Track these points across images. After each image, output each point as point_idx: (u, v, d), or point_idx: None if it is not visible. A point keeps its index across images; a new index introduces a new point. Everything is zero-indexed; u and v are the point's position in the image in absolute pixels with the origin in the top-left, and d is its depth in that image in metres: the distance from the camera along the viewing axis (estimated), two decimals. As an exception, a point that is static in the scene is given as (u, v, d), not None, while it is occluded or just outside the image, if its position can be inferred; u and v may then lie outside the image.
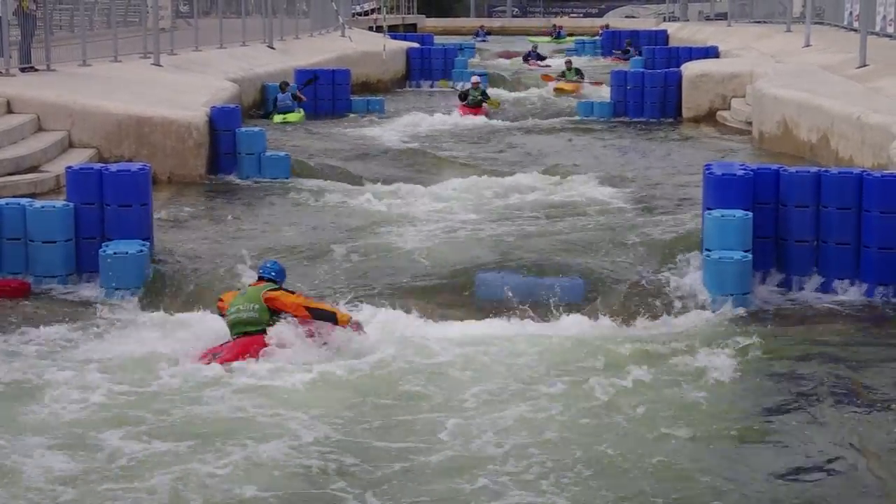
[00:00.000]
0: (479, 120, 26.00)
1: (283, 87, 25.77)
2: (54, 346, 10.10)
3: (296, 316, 9.89)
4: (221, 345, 9.88)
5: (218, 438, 8.14)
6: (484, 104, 27.06)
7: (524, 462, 7.85)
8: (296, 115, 25.29)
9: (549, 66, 39.82)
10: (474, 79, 27.93)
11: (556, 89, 32.21)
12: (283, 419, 8.53)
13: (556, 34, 52.98)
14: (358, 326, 10.09)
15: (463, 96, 27.13)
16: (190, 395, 8.96)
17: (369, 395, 9.09)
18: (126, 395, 8.98)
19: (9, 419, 8.45)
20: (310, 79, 27.07)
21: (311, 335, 9.85)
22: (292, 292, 10.13)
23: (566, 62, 34.22)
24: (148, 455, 7.88)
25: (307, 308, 9.92)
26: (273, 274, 10.20)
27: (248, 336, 9.82)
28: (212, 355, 9.69)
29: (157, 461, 7.78)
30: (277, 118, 24.93)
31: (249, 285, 10.19)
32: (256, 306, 9.89)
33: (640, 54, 42.31)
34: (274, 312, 9.92)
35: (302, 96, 25.89)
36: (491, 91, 33.27)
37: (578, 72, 32.86)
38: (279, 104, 25.42)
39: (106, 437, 8.14)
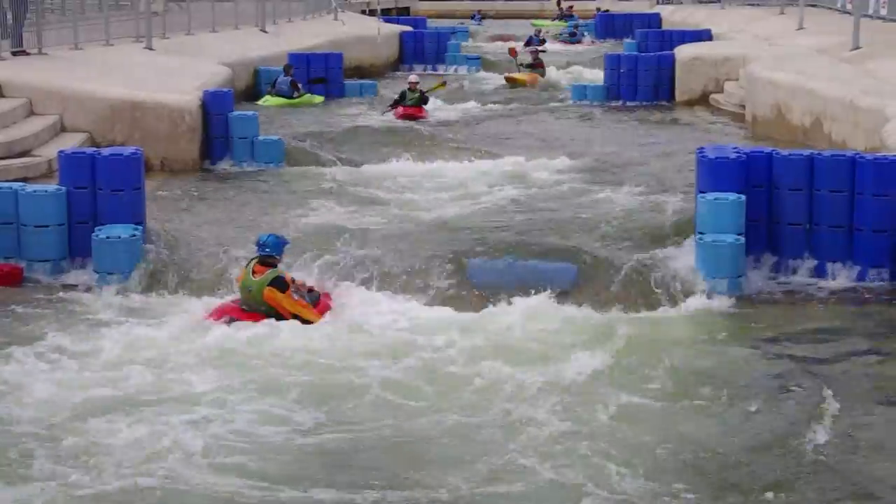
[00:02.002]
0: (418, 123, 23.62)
1: (287, 69, 25.72)
2: (46, 331, 10.10)
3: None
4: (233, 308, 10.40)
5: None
6: (424, 106, 24.62)
7: (513, 446, 7.89)
8: (318, 98, 26.03)
9: (546, 50, 39.35)
10: (412, 78, 25.93)
11: (507, 79, 30.52)
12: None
13: (564, 17, 52.49)
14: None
15: (400, 98, 24.71)
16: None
17: (361, 379, 9.13)
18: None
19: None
20: (315, 78, 27.01)
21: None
22: (287, 285, 10.32)
23: (531, 52, 32.10)
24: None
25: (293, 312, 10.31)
26: (268, 250, 10.50)
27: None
28: (228, 317, 10.23)
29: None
30: (273, 101, 24.85)
31: (253, 271, 10.37)
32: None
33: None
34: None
35: (299, 86, 25.70)
36: (484, 75, 33.19)
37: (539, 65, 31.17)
38: (278, 86, 25.39)
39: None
